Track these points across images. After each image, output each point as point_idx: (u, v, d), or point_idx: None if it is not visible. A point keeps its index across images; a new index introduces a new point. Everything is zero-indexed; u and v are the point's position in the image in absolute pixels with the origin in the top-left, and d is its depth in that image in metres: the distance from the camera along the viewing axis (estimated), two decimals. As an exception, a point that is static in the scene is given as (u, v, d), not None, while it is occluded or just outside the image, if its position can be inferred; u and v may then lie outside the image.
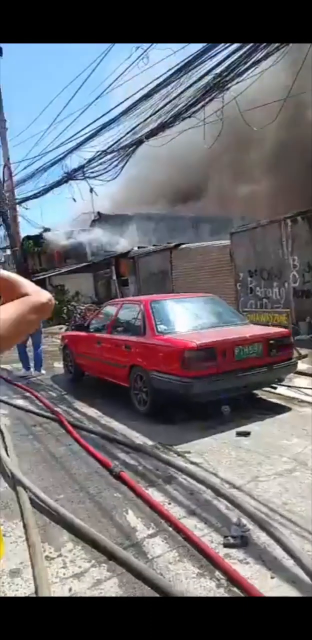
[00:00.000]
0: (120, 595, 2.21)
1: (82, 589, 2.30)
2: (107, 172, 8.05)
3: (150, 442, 4.27)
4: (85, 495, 3.32)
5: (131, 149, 7.33)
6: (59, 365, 8.92)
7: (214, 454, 3.84)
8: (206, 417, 4.71)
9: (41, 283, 18.81)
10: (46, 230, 19.04)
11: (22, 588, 2.35)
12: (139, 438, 4.43)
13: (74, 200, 10.12)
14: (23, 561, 2.57)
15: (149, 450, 3.99)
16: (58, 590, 2.29)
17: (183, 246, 14.08)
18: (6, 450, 4.25)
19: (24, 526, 2.90)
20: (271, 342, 4.86)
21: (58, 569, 2.48)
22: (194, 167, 17.23)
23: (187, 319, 5.41)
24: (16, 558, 2.60)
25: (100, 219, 17.40)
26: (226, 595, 2.16)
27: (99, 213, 17.35)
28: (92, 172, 8.53)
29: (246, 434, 4.18)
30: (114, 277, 17.39)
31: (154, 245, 14.95)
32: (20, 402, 6.22)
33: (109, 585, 2.30)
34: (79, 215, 17.47)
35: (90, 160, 8.51)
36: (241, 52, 5.53)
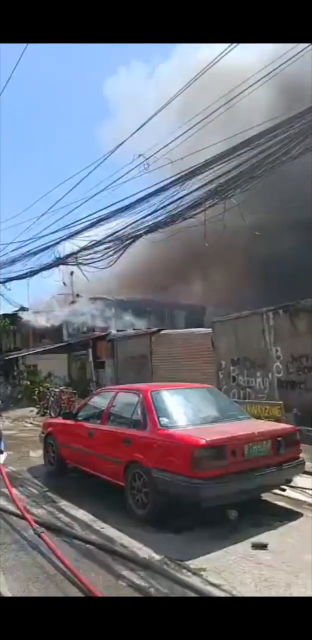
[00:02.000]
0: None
1: None
2: (101, 260, 8.18)
3: (156, 556, 3.79)
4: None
5: (128, 242, 7.54)
6: (35, 455, 8.25)
7: (234, 572, 3.43)
8: (211, 524, 4.31)
9: (14, 362, 18.18)
10: (23, 309, 18.79)
11: None
12: (142, 550, 3.94)
13: (64, 284, 10.14)
14: None
15: (158, 568, 3.52)
16: None
17: (164, 332, 14.17)
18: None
19: None
20: (279, 439, 4.66)
21: None
22: (177, 259, 18.01)
23: (189, 411, 5.17)
24: None
25: (79, 300, 17.47)
26: None
27: (77, 295, 17.45)
28: (85, 259, 8.64)
29: (263, 546, 3.82)
30: (90, 359, 17.05)
31: (134, 329, 14.97)
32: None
33: None
34: (56, 294, 17.48)
35: (83, 249, 8.66)
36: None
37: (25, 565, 3.73)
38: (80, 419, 6.31)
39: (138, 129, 6.92)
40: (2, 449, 7.90)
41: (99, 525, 4.61)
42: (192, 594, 3.09)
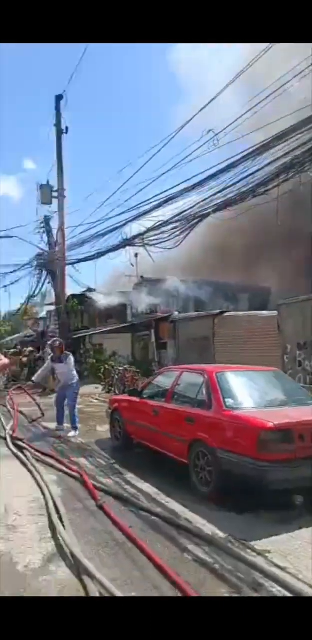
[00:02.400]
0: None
1: None
2: (167, 240, 8.21)
3: (220, 534, 3.84)
4: (162, 586, 2.95)
5: (195, 221, 7.47)
6: (101, 429, 8.68)
7: (300, 557, 3.39)
8: (274, 507, 4.25)
9: (81, 341, 19.05)
10: (90, 290, 19.54)
11: None
12: (206, 526, 4.02)
13: (132, 265, 10.39)
14: None
15: (223, 545, 3.57)
16: None
17: (227, 314, 13.94)
18: (63, 525, 3.96)
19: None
20: None
21: None
22: (245, 239, 17.55)
23: (255, 394, 5.11)
24: None
25: (143, 282, 17.75)
26: None
27: (142, 277, 17.73)
28: (152, 240, 8.72)
29: (331, 534, 3.71)
30: (153, 340, 17.33)
31: (197, 312, 14.93)
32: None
33: None
34: (122, 276, 17.94)
35: (150, 229, 8.74)
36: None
37: (95, 531, 3.96)
38: (145, 396, 6.51)
39: (207, 104, 6.76)
40: (77, 425, 8.45)
41: (163, 499, 4.76)
42: (257, 574, 3.10)
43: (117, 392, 14.19)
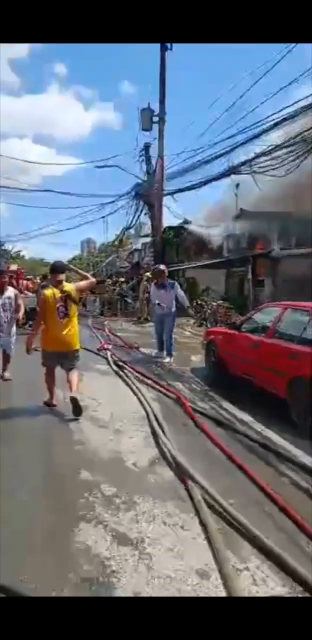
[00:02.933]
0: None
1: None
2: (279, 167, 7.58)
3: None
4: (260, 498, 3.12)
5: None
6: (195, 359, 8.96)
7: None
8: None
9: (175, 274, 19.28)
10: (187, 222, 19.36)
11: (213, 593, 2.24)
12: (304, 457, 4.05)
13: (236, 195, 9.94)
14: (208, 563, 2.47)
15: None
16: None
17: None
18: (166, 437, 4.30)
19: (202, 524, 2.81)
20: None
21: (249, 585, 2.31)
22: None
23: None
24: (201, 556, 2.52)
25: (242, 215, 16.93)
26: None
27: (241, 209, 16.92)
28: (260, 167, 8.14)
29: None
30: (249, 277, 16.82)
31: (299, 248, 13.95)
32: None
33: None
34: (219, 209, 17.33)
35: (259, 155, 8.15)
36: None
37: (194, 447, 4.22)
38: (243, 330, 6.49)
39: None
40: (173, 352, 8.83)
41: (259, 427, 4.86)
42: None
43: (209, 325, 14.32)
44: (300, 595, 1.87)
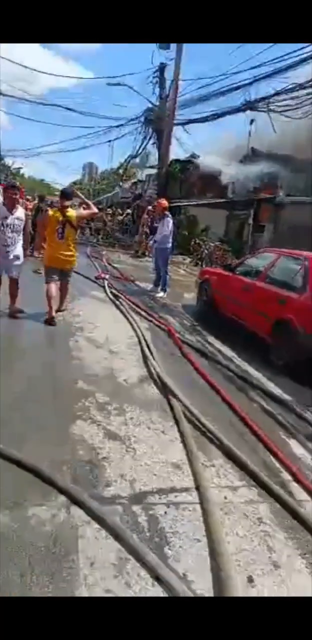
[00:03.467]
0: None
1: (236, 501, 2.64)
2: (297, 108, 7.38)
3: (287, 397, 4.39)
4: (232, 419, 3.66)
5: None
6: (188, 296, 9.36)
7: None
8: None
9: (176, 210, 19.17)
10: (194, 156, 18.88)
11: (184, 481, 2.78)
12: (275, 389, 4.58)
13: (249, 134, 9.70)
14: (181, 459, 3.00)
15: (288, 404, 4.13)
16: (215, 493, 2.66)
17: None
18: (155, 361, 4.78)
19: (180, 432, 3.34)
20: None
21: (212, 476, 2.86)
22: None
23: None
24: (176, 454, 3.05)
25: (253, 155, 16.50)
26: None
27: (252, 149, 16.43)
28: (279, 106, 7.92)
29: None
30: (250, 221, 16.85)
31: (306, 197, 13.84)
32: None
33: (261, 508, 2.60)
34: (232, 146, 16.82)
35: (279, 92, 7.89)
36: None
37: (178, 371, 4.75)
38: (237, 273, 6.83)
39: None
40: (167, 288, 9.20)
41: (239, 362, 5.37)
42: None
43: (204, 266, 14.60)
44: (300, 595, 2.04)
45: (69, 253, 6.03)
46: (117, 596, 1.87)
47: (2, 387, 3.64)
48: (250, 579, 2.09)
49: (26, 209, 18.24)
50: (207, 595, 1.96)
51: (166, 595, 1.91)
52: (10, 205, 5.49)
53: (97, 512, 2.31)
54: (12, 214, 5.48)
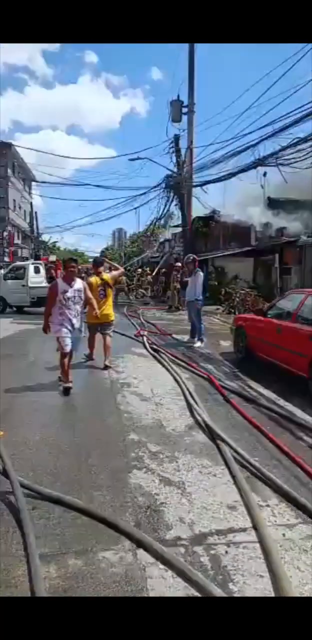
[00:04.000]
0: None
1: (294, 537, 2.70)
2: (303, 160, 7.97)
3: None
4: (280, 457, 3.72)
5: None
6: (225, 344, 9.52)
7: None
8: None
9: (204, 263, 19.77)
10: (215, 212, 19.72)
11: (241, 521, 2.87)
12: (321, 427, 4.59)
13: (262, 187, 10.33)
14: (236, 500, 3.10)
15: (337, 442, 4.14)
16: (272, 531, 2.73)
17: None
18: (199, 408, 4.94)
19: (232, 474, 3.45)
20: None
21: (269, 516, 2.93)
22: None
23: None
24: (230, 496, 3.15)
25: (270, 204, 17.14)
26: None
27: (269, 198, 17.11)
28: (286, 160, 8.53)
29: None
30: (277, 265, 17.05)
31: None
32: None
33: (320, 542, 2.64)
34: (249, 198, 17.57)
35: (285, 147, 8.52)
36: None
37: (223, 417, 4.86)
38: (269, 315, 7.01)
39: None
40: (203, 337, 9.45)
41: (282, 402, 5.42)
42: None
43: (237, 313, 14.78)
44: (300, 596, 2.12)
45: (108, 308, 7.17)
46: (117, 596, 1.93)
47: (62, 443, 3.92)
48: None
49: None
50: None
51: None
52: (70, 279, 5.69)
53: (162, 553, 2.45)
54: (71, 287, 5.62)
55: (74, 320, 5.66)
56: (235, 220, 18.29)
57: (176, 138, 18.97)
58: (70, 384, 5.59)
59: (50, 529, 2.73)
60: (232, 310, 16.09)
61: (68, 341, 5.59)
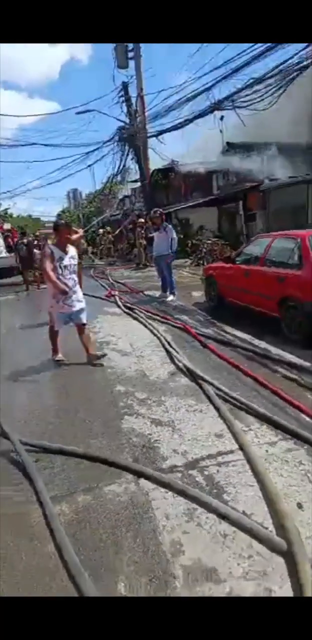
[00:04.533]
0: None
1: (276, 452, 3.04)
2: (260, 100, 7.97)
3: (306, 363, 4.78)
4: (259, 389, 4.06)
5: (293, 75, 7.12)
6: (196, 294, 9.80)
7: None
8: None
9: (167, 216, 19.70)
10: (174, 162, 19.46)
11: (228, 446, 3.18)
12: (294, 358, 4.96)
13: (221, 131, 10.28)
14: (222, 429, 3.41)
15: (309, 368, 4.52)
16: (257, 449, 3.06)
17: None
18: (179, 355, 5.20)
19: (216, 408, 3.75)
20: None
21: (253, 438, 3.26)
22: None
23: None
24: (217, 426, 3.46)
25: (229, 149, 17.05)
26: None
27: (228, 143, 16.99)
28: (243, 102, 8.52)
29: None
30: (241, 212, 17.30)
31: (290, 177, 14.31)
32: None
33: (299, 453, 3.00)
34: (207, 144, 17.39)
35: (241, 89, 8.50)
36: None
37: (202, 361, 5.15)
38: (238, 262, 7.27)
39: None
40: (175, 290, 9.65)
41: (256, 342, 5.76)
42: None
43: (205, 264, 15.04)
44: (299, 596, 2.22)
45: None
46: (117, 596, 1.98)
47: (53, 403, 4.09)
48: (299, 505, 2.49)
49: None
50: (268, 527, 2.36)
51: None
52: (64, 245, 5.16)
53: (162, 479, 2.72)
54: (66, 254, 5.13)
55: (74, 290, 5.16)
56: (193, 169, 18.15)
57: (125, 86, 18.15)
58: (62, 358, 5.44)
59: (56, 476, 2.94)
60: (201, 262, 16.33)
61: (60, 321, 5.26)
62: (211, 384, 4.18)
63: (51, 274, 4.97)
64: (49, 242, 9.69)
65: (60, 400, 4.32)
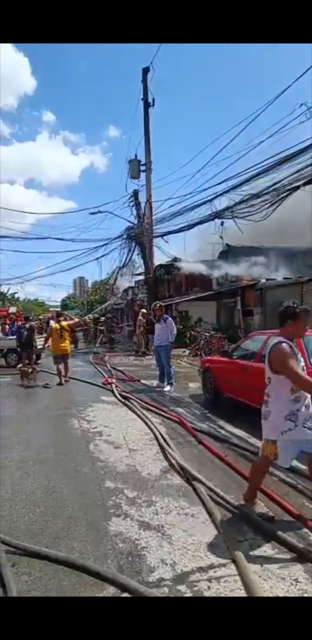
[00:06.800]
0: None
1: (271, 568, 2.82)
2: (256, 213, 8.68)
3: (301, 465, 4.60)
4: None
5: (284, 194, 7.85)
6: (193, 386, 9.73)
7: None
8: None
9: (168, 308, 20.26)
10: (177, 260, 20.49)
11: (220, 558, 2.96)
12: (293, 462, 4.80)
13: (221, 238, 11.03)
14: (215, 538, 3.20)
15: (303, 471, 4.34)
16: (251, 564, 2.84)
17: (316, 281, 13.88)
18: (173, 451, 5.04)
19: (209, 513, 3.54)
20: None
21: (246, 550, 3.04)
22: None
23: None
24: (209, 534, 3.25)
25: (229, 250, 18.10)
26: None
27: (227, 245, 18.08)
28: (241, 213, 9.25)
29: None
30: (239, 307, 17.80)
31: (284, 278, 14.98)
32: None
33: (295, 569, 2.78)
34: (208, 244, 18.47)
35: (239, 203, 9.26)
36: None
37: (196, 457, 4.99)
38: (235, 357, 7.32)
39: (300, 76, 6.96)
40: (173, 381, 9.62)
41: (253, 440, 5.61)
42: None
43: (203, 355, 15.13)
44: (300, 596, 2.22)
45: (65, 345, 10.80)
46: (117, 596, 1.97)
47: (37, 498, 3.88)
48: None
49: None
50: None
51: None
52: None
53: (146, 594, 2.49)
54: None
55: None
56: (194, 267, 19.12)
57: (135, 193, 19.91)
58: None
59: (34, 584, 2.70)
60: (198, 353, 16.45)
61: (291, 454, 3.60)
62: (204, 484, 3.99)
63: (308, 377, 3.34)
64: (52, 322, 11.13)
65: (47, 493, 4.09)
